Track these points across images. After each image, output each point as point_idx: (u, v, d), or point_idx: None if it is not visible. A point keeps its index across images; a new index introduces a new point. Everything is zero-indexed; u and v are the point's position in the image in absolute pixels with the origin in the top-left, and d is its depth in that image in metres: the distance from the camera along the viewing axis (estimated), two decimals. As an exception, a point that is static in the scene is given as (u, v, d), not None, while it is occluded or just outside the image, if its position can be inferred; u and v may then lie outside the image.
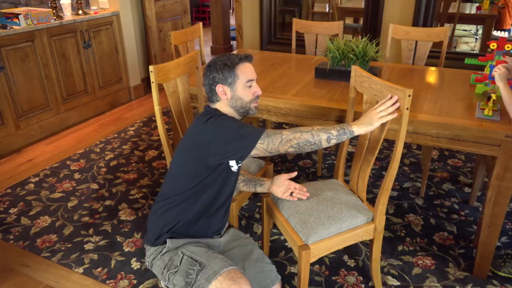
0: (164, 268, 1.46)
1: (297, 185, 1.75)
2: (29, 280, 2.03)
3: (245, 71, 1.50)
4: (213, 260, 1.39)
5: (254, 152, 1.41)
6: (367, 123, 1.49)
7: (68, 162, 3.14)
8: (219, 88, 1.49)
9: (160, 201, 1.55)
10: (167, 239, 1.49)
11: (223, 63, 1.49)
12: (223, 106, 1.53)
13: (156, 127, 3.75)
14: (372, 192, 2.66)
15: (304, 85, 2.26)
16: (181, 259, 1.43)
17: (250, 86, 1.51)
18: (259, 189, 1.79)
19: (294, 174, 1.70)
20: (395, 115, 1.49)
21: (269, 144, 1.39)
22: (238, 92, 1.50)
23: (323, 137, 1.42)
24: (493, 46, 1.86)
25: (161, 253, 1.49)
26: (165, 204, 1.53)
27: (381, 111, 1.49)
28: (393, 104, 1.49)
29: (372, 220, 1.71)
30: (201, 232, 1.55)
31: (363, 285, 1.95)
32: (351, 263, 2.08)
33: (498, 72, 1.72)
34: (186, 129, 1.89)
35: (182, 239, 1.50)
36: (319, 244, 1.60)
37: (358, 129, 1.47)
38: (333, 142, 1.44)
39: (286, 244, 2.21)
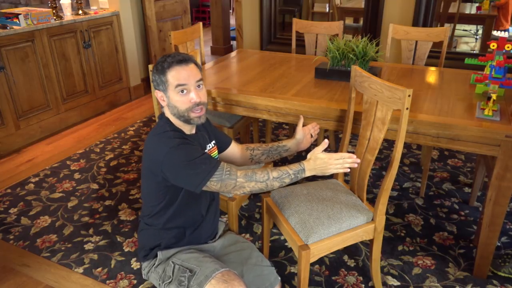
0: (160, 280, 1.45)
1: (311, 125, 1.73)
2: (29, 280, 2.03)
3: (176, 76, 1.35)
4: (203, 264, 1.38)
5: (205, 189, 1.35)
6: (321, 171, 1.40)
7: (68, 162, 3.14)
8: (158, 94, 1.41)
9: (141, 220, 1.57)
10: (158, 252, 1.49)
11: (157, 67, 1.37)
12: (167, 113, 1.43)
13: (156, 127, 3.75)
14: (372, 192, 2.66)
15: (304, 85, 2.26)
16: (173, 268, 1.42)
17: (182, 91, 1.37)
18: (285, 154, 1.73)
19: (301, 119, 1.71)
20: (348, 169, 1.42)
21: (222, 187, 1.34)
22: (171, 99, 1.38)
23: (276, 185, 1.38)
24: (493, 46, 1.86)
25: (154, 265, 1.49)
26: (145, 222, 1.53)
27: (338, 164, 1.39)
28: (352, 162, 1.40)
29: (372, 220, 1.71)
30: (191, 242, 1.53)
31: (363, 285, 1.95)
32: (351, 263, 2.08)
33: None
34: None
35: (173, 249, 1.50)
36: (319, 244, 1.60)
37: (310, 174, 1.41)
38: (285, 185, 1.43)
39: (286, 244, 2.21)
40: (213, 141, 1.59)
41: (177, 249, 1.50)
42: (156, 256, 1.50)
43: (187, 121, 1.42)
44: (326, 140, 1.42)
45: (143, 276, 1.56)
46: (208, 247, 1.57)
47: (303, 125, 1.74)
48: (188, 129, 1.47)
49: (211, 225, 1.59)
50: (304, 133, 1.71)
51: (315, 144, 2.95)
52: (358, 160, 1.42)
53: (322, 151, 1.41)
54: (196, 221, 1.52)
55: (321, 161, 1.39)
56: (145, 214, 1.53)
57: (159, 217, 1.48)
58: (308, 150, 2.63)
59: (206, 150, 1.52)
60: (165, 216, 1.47)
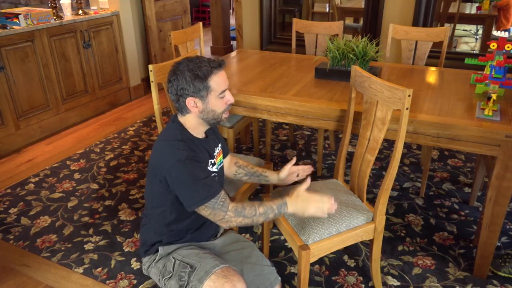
0: (160, 275, 1.46)
1: (300, 167, 1.71)
2: (29, 280, 2.03)
3: (219, 82, 1.38)
4: (204, 260, 1.39)
5: (196, 210, 1.37)
6: (301, 211, 1.43)
7: (68, 162, 3.14)
8: (190, 102, 1.38)
9: (144, 216, 1.57)
10: (159, 247, 1.50)
11: (194, 73, 1.35)
12: (192, 118, 1.43)
13: (156, 127, 3.75)
14: (372, 192, 2.66)
15: (304, 85, 2.26)
16: (174, 264, 1.43)
17: (223, 96, 1.42)
18: (265, 183, 1.75)
19: (293, 160, 1.68)
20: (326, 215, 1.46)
21: (210, 214, 1.36)
22: (211, 104, 1.39)
23: (261, 220, 1.41)
24: (493, 46, 1.86)
25: (155, 260, 1.50)
26: (148, 219, 1.54)
27: (317, 208, 1.43)
28: (329, 208, 1.44)
29: (372, 220, 1.71)
30: (192, 240, 1.53)
31: (363, 285, 1.95)
32: (351, 263, 2.08)
33: None
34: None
35: (174, 244, 1.50)
36: (319, 244, 1.60)
37: (291, 210, 1.43)
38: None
39: (286, 244, 2.21)
40: (220, 145, 1.60)
41: (178, 245, 1.50)
42: (157, 251, 1.50)
43: (218, 122, 1.46)
44: (308, 180, 1.49)
45: (144, 271, 1.56)
46: (209, 244, 1.57)
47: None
48: (200, 133, 1.48)
49: (213, 226, 1.59)
50: (289, 173, 1.70)
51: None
52: (335, 207, 1.45)
53: (305, 189, 1.46)
54: (197, 224, 1.52)
55: (303, 197, 1.43)
56: (148, 213, 1.54)
57: (161, 219, 1.48)
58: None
59: (215, 154, 1.53)
60: (167, 219, 1.47)
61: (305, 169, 1.71)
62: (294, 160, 1.68)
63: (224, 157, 1.67)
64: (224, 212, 1.36)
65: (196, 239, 1.54)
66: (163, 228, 1.50)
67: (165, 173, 1.35)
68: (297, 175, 1.71)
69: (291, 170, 1.69)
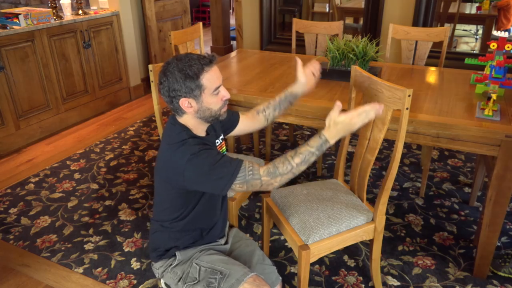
0: (179, 281, 1.43)
1: (309, 64, 1.68)
2: (29, 280, 2.03)
3: (211, 79, 1.32)
4: (232, 267, 1.38)
5: (230, 191, 1.32)
6: (346, 132, 1.32)
7: (68, 162, 3.14)
8: (184, 103, 1.32)
9: (154, 222, 1.53)
10: (176, 252, 1.47)
11: (184, 73, 1.28)
12: (189, 118, 1.37)
13: (156, 127, 3.75)
14: (372, 192, 2.66)
15: (304, 85, 2.26)
16: (199, 270, 1.40)
17: (218, 93, 1.35)
18: (294, 100, 1.69)
19: (299, 61, 1.66)
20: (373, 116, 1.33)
21: (248, 187, 1.31)
22: (206, 102, 1.33)
23: (302, 168, 1.32)
24: (493, 46, 1.86)
25: (172, 265, 1.47)
26: (161, 225, 1.50)
27: (362, 121, 1.31)
28: (377, 110, 1.32)
29: (372, 220, 1.71)
30: (206, 241, 1.53)
31: (363, 285, 1.95)
32: (351, 263, 2.08)
33: None
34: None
35: (190, 249, 1.48)
36: (319, 244, 1.60)
37: (335, 140, 1.32)
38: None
39: (286, 244, 2.21)
40: (221, 137, 1.57)
41: (195, 249, 1.48)
42: (173, 256, 1.47)
43: (217, 119, 1.40)
44: (338, 103, 1.33)
45: (157, 275, 1.53)
46: (221, 248, 1.56)
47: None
48: (202, 132, 1.44)
49: (222, 223, 1.58)
50: (305, 75, 1.66)
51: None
52: (382, 106, 1.33)
53: (339, 113, 1.32)
54: (212, 221, 1.51)
55: (342, 122, 1.30)
56: (160, 219, 1.50)
57: (177, 221, 1.45)
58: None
59: (216, 147, 1.51)
60: (184, 221, 1.45)
61: (313, 65, 1.68)
62: (299, 61, 1.65)
63: (235, 126, 1.65)
64: (258, 179, 1.29)
65: (209, 240, 1.53)
66: (177, 233, 1.47)
67: (183, 172, 1.29)
68: (314, 76, 1.69)
69: (305, 72, 1.66)
